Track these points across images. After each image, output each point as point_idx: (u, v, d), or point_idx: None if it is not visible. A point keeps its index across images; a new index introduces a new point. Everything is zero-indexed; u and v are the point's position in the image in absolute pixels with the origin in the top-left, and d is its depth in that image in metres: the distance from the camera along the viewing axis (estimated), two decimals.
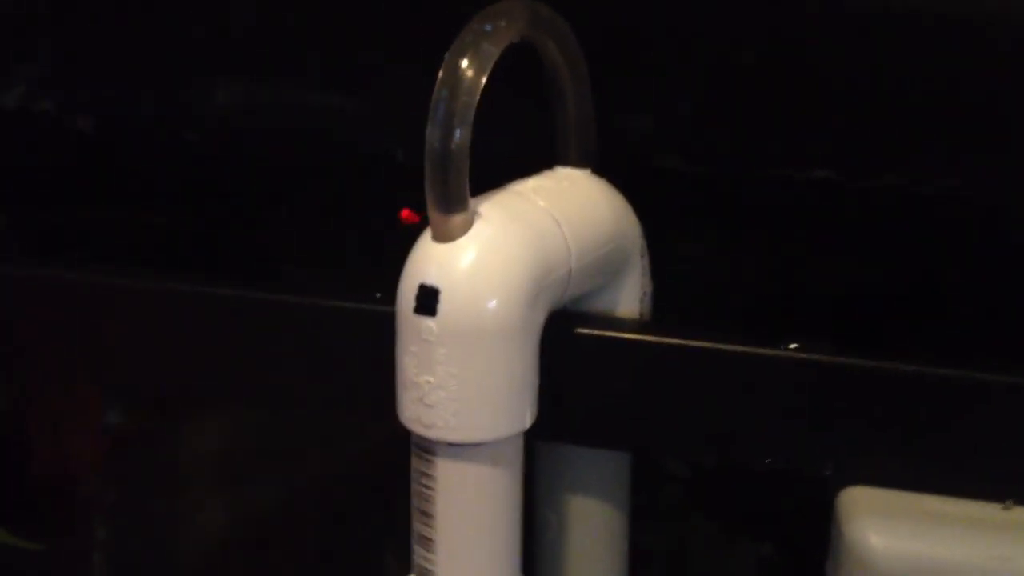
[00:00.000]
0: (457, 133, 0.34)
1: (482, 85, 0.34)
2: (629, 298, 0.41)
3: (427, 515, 0.36)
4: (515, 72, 0.37)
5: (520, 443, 0.37)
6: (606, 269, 0.40)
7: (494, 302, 0.34)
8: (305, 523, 0.60)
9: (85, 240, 0.60)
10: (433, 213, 0.35)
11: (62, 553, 0.64)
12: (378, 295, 0.41)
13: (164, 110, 0.58)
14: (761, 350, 0.38)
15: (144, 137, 0.59)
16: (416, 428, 0.36)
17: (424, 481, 0.36)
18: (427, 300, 0.34)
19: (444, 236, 0.35)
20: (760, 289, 0.50)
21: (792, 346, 0.38)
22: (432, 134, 0.34)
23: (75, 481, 0.69)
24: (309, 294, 0.41)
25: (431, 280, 0.34)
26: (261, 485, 0.63)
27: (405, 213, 0.51)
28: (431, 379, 0.35)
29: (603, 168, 0.42)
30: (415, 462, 0.37)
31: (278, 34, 0.58)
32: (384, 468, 0.55)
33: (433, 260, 0.35)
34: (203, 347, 0.44)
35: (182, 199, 0.59)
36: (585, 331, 0.39)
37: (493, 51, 0.35)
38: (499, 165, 0.40)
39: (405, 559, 0.38)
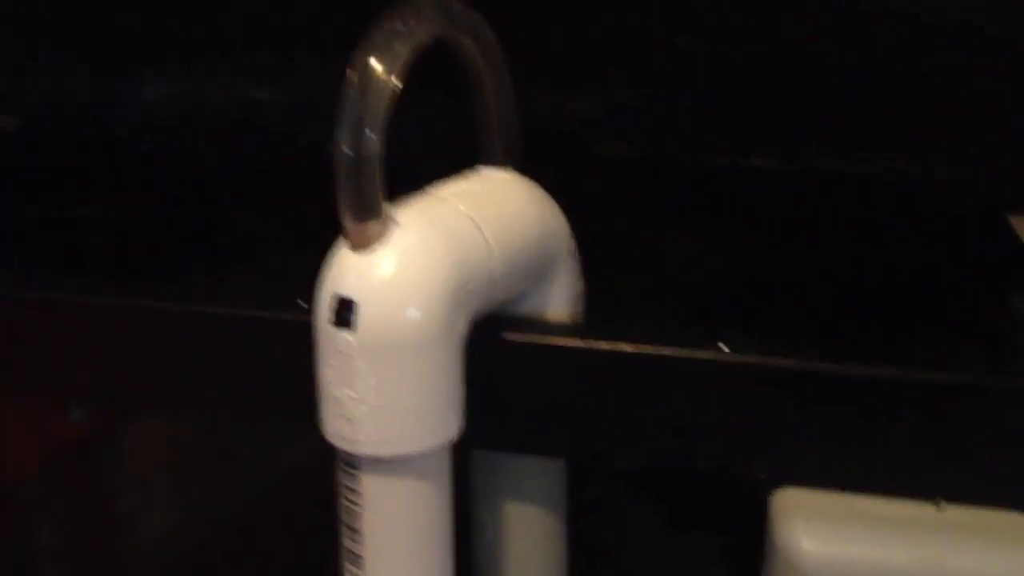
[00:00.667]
0: (369, 137, 0.33)
1: (395, 87, 0.33)
2: (560, 300, 0.40)
3: (354, 531, 0.35)
4: (436, 68, 0.36)
5: (447, 454, 0.36)
6: (533, 272, 0.39)
7: (413, 312, 0.33)
8: (244, 533, 0.59)
9: (13, 238, 0.58)
10: (347, 221, 0.34)
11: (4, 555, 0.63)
12: (299, 301, 0.40)
13: (92, 104, 0.57)
14: (692, 353, 0.37)
15: (71, 132, 0.58)
16: (339, 443, 0.35)
17: (350, 496, 0.35)
18: (344, 312, 0.33)
19: (360, 245, 0.34)
20: (704, 277, 0.49)
21: (723, 347, 0.37)
22: (342, 139, 0.33)
23: (17, 486, 0.67)
24: (227, 303, 0.40)
25: (347, 291, 0.33)
26: (201, 494, 0.62)
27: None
28: (351, 393, 0.34)
29: (545, 156, 0.41)
30: (341, 476, 0.36)
31: (210, 26, 0.56)
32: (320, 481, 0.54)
33: (349, 270, 0.33)
34: (125, 358, 0.42)
35: (112, 194, 0.58)
36: (512, 336, 0.38)
37: (404, 52, 0.34)
38: (422, 165, 0.39)
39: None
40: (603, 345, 0.37)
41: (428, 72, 0.35)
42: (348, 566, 0.36)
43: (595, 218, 0.44)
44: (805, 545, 0.35)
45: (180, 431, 0.64)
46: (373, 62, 0.33)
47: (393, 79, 0.33)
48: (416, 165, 0.38)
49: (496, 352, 0.38)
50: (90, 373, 0.42)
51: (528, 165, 0.41)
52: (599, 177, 0.55)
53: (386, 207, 0.34)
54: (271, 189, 0.56)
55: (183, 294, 0.40)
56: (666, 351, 0.37)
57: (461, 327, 0.35)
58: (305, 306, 0.37)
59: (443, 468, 0.36)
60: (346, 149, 0.33)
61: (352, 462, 0.35)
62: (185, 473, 0.63)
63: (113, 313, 0.41)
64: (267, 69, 0.57)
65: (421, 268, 0.34)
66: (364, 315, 0.33)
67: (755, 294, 0.48)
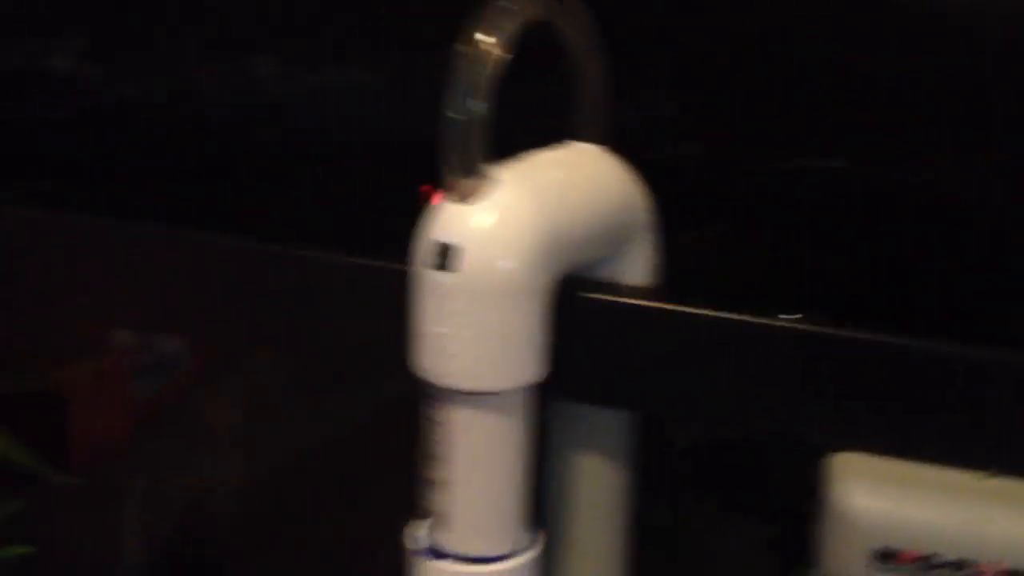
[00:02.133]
0: (477, 102, 0.37)
1: (501, 60, 0.37)
2: (637, 270, 0.44)
3: (439, 460, 0.39)
4: (536, 51, 0.40)
5: (528, 395, 0.39)
6: (613, 240, 0.42)
7: (508, 262, 0.37)
8: (321, 474, 0.63)
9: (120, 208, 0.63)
10: (452, 176, 0.37)
11: (98, 492, 0.68)
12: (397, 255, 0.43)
13: (203, 84, 0.61)
14: (759, 319, 0.40)
15: (185, 108, 0.62)
16: (430, 377, 0.38)
17: (435, 428, 0.39)
18: (445, 257, 0.37)
19: (462, 198, 0.37)
20: (767, 276, 0.52)
21: (789, 317, 0.40)
22: (452, 102, 0.37)
23: (110, 431, 0.72)
24: (331, 250, 0.44)
25: (449, 238, 0.37)
26: (282, 437, 0.66)
27: (426, 189, 0.54)
28: (447, 330, 0.37)
29: (619, 152, 0.45)
30: (427, 410, 0.39)
31: (304, 12, 0.60)
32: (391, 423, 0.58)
33: (451, 219, 0.37)
34: (232, 297, 0.46)
35: (209, 173, 0.62)
36: (592, 295, 0.41)
37: (511, 27, 0.37)
38: (517, 139, 0.42)
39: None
40: (673, 306, 0.41)
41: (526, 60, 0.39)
42: (428, 494, 0.40)
43: (663, 214, 0.47)
44: (860, 502, 0.38)
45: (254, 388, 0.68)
46: (482, 35, 0.37)
47: (499, 51, 0.37)
48: (513, 139, 0.42)
49: (577, 309, 0.41)
50: (203, 314, 0.47)
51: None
52: (667, 177, 0.57)
53: (487, 167, 0.38)
54: (359, 174, 0.60)
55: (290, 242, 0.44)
56: (735, 316, 0.40)
57: (548, 280, 0.39)
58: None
59: (524, 408, 0.39)
60: (453, 113, 0.37)
61: (440, 395, 0.39)
62: (259, 428, 0.67)
63: (225, 254, 0.46)
64: (368, 55, 0.61)
65: (517, 222, 0.37)
66: (463, 260, 0.37)
67: (821, 290, 0.51)
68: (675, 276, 0.46)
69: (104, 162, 0.62)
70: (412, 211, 0.39)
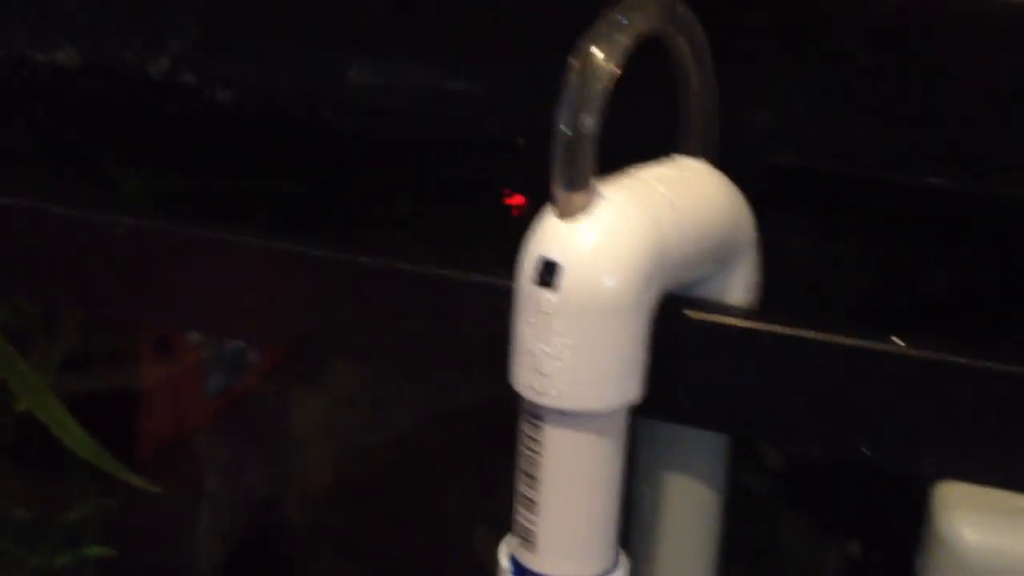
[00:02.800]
0: (587, 118, 0.36)
1: (615, 74, 0.36)
2: (738, 288, 0.43)
3: (532, 478, 0.39)
4: (643, 63, 0.39)
5: (625, 416, 0.39)
6: (717, 258, 0.41)
7: (612, 280, 0.36)
8: (404, 483, 0.63)
9: (221, 208, 0.64)
10: (558, 191, 0.37)
11: (177, 500, 0.68)
12: (499, 271, 0.43)
13: (301, 86, 0.62)
14: (867, 342, 0.39)
15: (281, 111, 0.63)
16: (529, 394, 0.38)
17: (532, 446, 0.38)
18: (548, 274, 0.36)
19: (567, 213, 0.37)
20: (869, 294, 0.51)
21: (897, 341, 0.39)
22: (562, 117, 0.36)
23: (187, 435, 0.73)
24: (434, 264, 0.43)
25: (553, 255, 0.37)
26: (363, 445, 0.66)
27: (517, 200, 0.54)
28: (547, 348, 0.37)
29: (720, 162, 0.44)
30: (524, 427, 0.39)
31: (409, 16, 0.60)
32: (480, 437, 0.57)
33: (556, 236, 0.37)
34: (327, 308, 0.46)
35: (314, 172, 0.63)
36: (693, 315, 0.41)
37: (626, 42, 0.37)
38: (623, 151, 0.42)
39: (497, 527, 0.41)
40: (779, 329, 0.40)
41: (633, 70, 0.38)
42: (522, 511, 0.39)
43: (767, 227, 0.46)
44: (968, 536, 0.37)
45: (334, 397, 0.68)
46: (594, 49, 0.36)
47: (612, 66, 0.36)
48: (617, 151, 0.41)
49: (679, 328, 0.40)
50: (297, 325, 0.47)
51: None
52: (774, 188, 0.56)
53: (593, 182, 0.37)
54: (459, 176, 0.60)
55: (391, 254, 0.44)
56: (842, 339, 0.39)
57: (651, 300, 0.38)
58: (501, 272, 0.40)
59: (621, 429, 0.39)
60: (564, 127, 0.36)
61: (538, 413, 0.38)
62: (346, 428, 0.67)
63: (322, 265, 0.46)
64: (463, 62, 0.61)
65: (621, 240, 0.37)
66: (566, 277, 0.36)
67: (928, 312, 0.50)
68: (776, 300, 0.45)
69: (196, 164, 0.62)
70: (504, 223, 0.39)
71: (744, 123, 0.56)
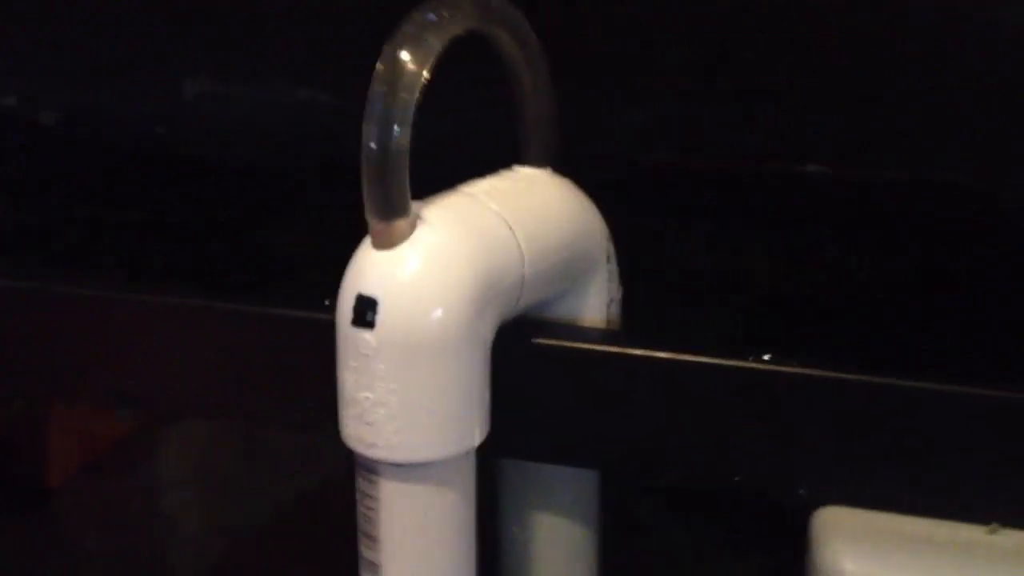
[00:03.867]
0: (395, 132, 0.32)
1: (424, 80, 0.32)
2: (594, 305, 0.39)
3: (372, 538, 0.34)
4: (476, 61, 0.35)
5: (470, 461, 0.35)
6: (567, 274, 0.37)
7: (436, 313, 0.32)
8: (272, 536, 0.58)
9: (52, 237, 0.58)
10: (371, 218, 0.32)
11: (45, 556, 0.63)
12: (327, 302, 0.39)
13: (133, 103, 0.57)
14: (730, 362, 0.35)
15: (112, 131, 0.57)
16: (358, 447, 0.34)
17: (368, 503, 0.34)
18: (364, 311, 0.32)
19: (384, 243, 0.32)
20: (747, 289, 0.48)
21: (765, 357, 0.35)
22: (369, 133, 0.32)
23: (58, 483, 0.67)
24: (253, 302, 0.39)
25: (369, 290, 0.32)
26: (236, 497, 0.61)
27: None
28: (370, 395, 0.32)
29: (590, 163, 0.40)
30: (359, 482, 0.35)
31: (248, 28, 0.56)
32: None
33: (372, 269, 0.32)
34: (148, 355, 0.42)
35: (151, 195, 0.57)
36: (542, 340, 0.37)
37: (436, 44, 0.32)
38: (457, 162, 0.37)
39: None
40: (638, 351, 0.36)
41: (462, 61, 0.34)
42: (366, 574, 0.35)
43: (635, 227, 0.42)
44: (849, 567, 0.33)
45: (210, 434, 0.63)
46: (403, 54, 0.32)
47: (423, 72, 0.32)
48: (447, 160, 0.37)
49: (525, 356, 0.36)
50: (117, 372, 0.42)
51: (570, 172, 0.39)
52: (642, 186, 0.53)
53: (413, 204, 0.33)
54: (314, 192, 0.56)
55: (205, 291, 0.39)
56: (703, 359, 0.35)
57: (487, 330, 0.34)
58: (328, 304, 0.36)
59: (465, 476, 0.35)
60: (372, 144, 0.32)
61: (371, 467, 0.34)
62: (217, 476, 0.63)
63: (141, 308, 0.41)
64: (310, 68, 0.57)
65: (446, 267, 0.32)
66: (385, 314, 0.32)
67: (801, 306, 0.47)
68: (650, 299, 0.41)
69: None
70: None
71: (610, 122, 0.52)
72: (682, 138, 0.51)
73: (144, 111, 0.58)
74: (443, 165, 0.36)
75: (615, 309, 0.40)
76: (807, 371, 0.35)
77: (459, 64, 0.33)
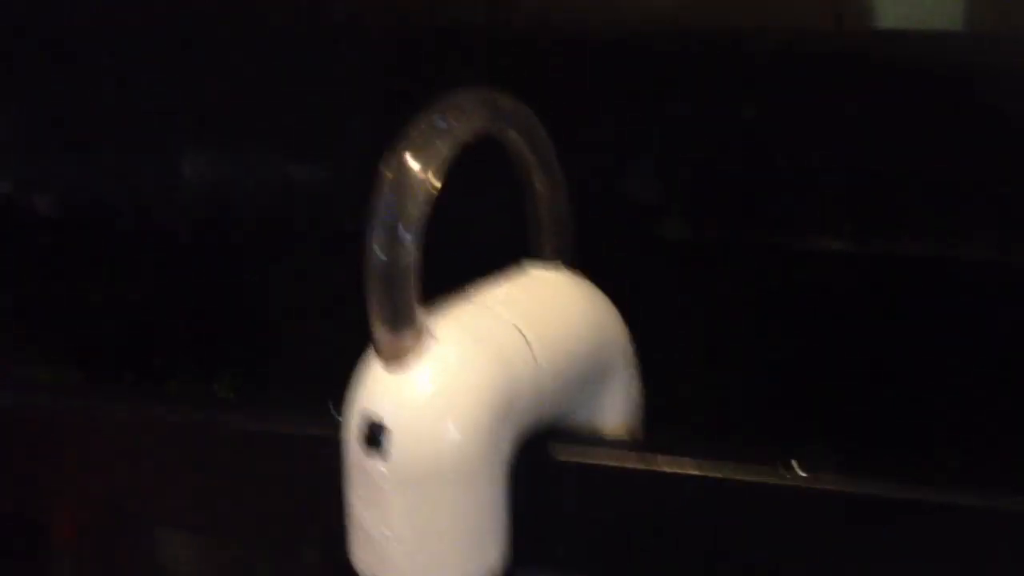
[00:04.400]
0: (404, 242, 0.30)
1: (435, 190, 0.30)
2: (616, 411, 0.37)
3: None
4: (484, 155, 0.33)
5: None
6: (586, 383, 0.35)
7: (453, 437, 0.30)
8: None
9: (50, 322, 0.56)
10: (379, 332, 0.30)
11: None
12: (332, 410, 0.36)
13: (128, 187, 0.55)
14: (764, 478, 0.33)
15: (108, 216, 0.56)
16: None
17: None
18: (375, 437, 0.30)
19: (392, 359, 0.30)
20: (778, 378, 0.46)
21: (797, 468, 0.33)
22: (377, 244, 0.30)
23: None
24: (247, 415, 0.37)
25: (379, 413, 0.30)
26: None
27: None
28: (385, 530, 0.30)
29: (603, 236, 0.38)
30: None
31: (245, 106, 0.54)
32: None
33: (381, 390, 0.30)
34: (132, 472, 0.39)
35: (153, 279, 0.56)
36: (563, 455, 0.34)
37: (445, 150, 0.31)
38: (464, 256, 0.36)
39: None
40: (664, 466, 0.34)
41: (471, 156, 0.32)
42: None
43: (655, 309, 0.40)
44: None
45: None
46: (411, 160, 0.30)
47: (432, 179, 0.30)
48: (450, 251, 0.35)
49: (545, 473, 0.34)
50: (95, 486, 0.39)
51: (584, 251, 0.38)
52: (660, 263, 0.51)
53: (421, 316, 0.31)
54: (316, 277, 0.54)
55: (198, 403, 0.37)
56: (735, 476, 0.33)
57: (506, 450, 0.32)
58: (338, 417, 0.34)
59: None
60: (380, 254, 0.30)
61: None
62: None
63: (120, 424, 0.39)
64: (308, 146, 0.55)
65: (461, 387, 0.30)
66: (398, 442, 0.30)
67: (834, 398, 0.44)
68: (661, 406, 0.39)
69: None
70: None
71: (623, 195, 0.50)
72: (696, 211, 0.49)
73: (139, 192, 0.56)
74: (446, 256, 0.34)
75: (638, 412, 0.38)
76: (842, 484, 0.33)
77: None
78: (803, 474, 0.33)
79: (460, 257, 0.36)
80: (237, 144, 0.55)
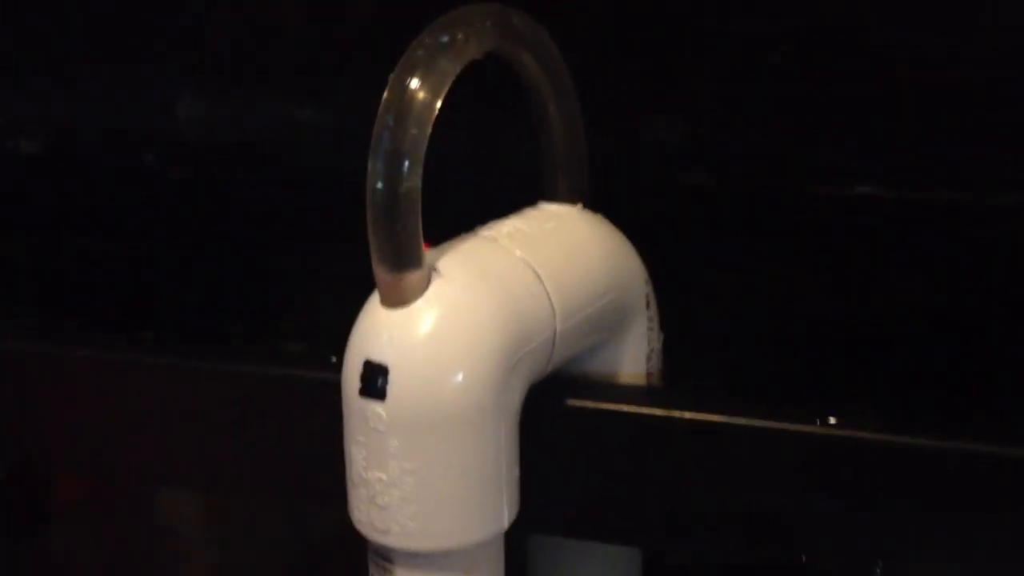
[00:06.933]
0: (406, 171, 0.28)
1: (436, 111, 0.28)
2: (633, 357, 0.35)
3: None
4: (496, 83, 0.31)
5: (498, 546, 0.30)
6: (603, 325, 0.33)
7: (457, 380, 0.28)
8: None
9: (36, 269, 0.54)
10: (379, 271, 0.28)
11: None
12: (333, 359, 0.34)
13: (118, 128, 0.53)
14: (793, 426, 0.31)
15: (97, 158, 0.53)
16: (369, 533, 0.29)
17: None
18: (374, 379, 0.28)
19: (394, 300, 0.28)
20: (807, 326, 0.43)
21: (831, 420, 0.31)
22: (375, 172, 0.28)
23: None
24: (247, 359, 0.35)
25: (379, 355, 0.28)
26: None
27: None
28: (383, 476, 0.28)
29: (625, 183, 0.36)
30: (372, 570, 0.30)
31: (242, 44, 0.52)
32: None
33: (381, 330, 0.28)
34: (130, 422, 0.37)
35: (137, 226, 0.54)
36: (577, 403, 0.32)
37: (450, 69, 0.28)
38: (475, 199, 0.33)
39: None
40: (686, 414, 0.32)
41: (476, 76, 0.30)
42: None
43: (676, 256, 0.38)
44: None
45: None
46: (414, 82, 0.28)
47: (436, 102, 0.28)
48: (460, 195, 0.33)
49: (558, 421, 0.32)
50: (91, 437, 0.37)
51: (601, 195, 0.35)
52: (682, 209, 0.49)
53: (426, 253, 0.29)
54: (317, 222, 0.52)
55: (192, 350, 0.35)
56: (762, 423, 0.31)
57: (516, 396, 0.30)
58: (334, 361, 0.32)
59: (493, 563, 0.30)
60: (379, 184, 0.28)
61: (384, 554, 0.29)
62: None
63: (121, 368, 0.37)
64: (312, 88, 0.52)
65: (467, 327, 0.28)
66: (398, 383, 0.28)
67: (867, 346, 0.42)
68: (681, 353, 0.37)
69: None
70: None
71: (645, 138, 0.48)
72: (720, 157, 0.47)
73: (133, 135, 0.54)
74: (456, 200, 0.32)
75: (656, 360, 0.36)
76: (879, 436, 0.31)
77: (472, 80, 0.29)
78: (835, 423, 0.31)
79: (472, 199, 0.33)
80: (236, 82, 0.53)
